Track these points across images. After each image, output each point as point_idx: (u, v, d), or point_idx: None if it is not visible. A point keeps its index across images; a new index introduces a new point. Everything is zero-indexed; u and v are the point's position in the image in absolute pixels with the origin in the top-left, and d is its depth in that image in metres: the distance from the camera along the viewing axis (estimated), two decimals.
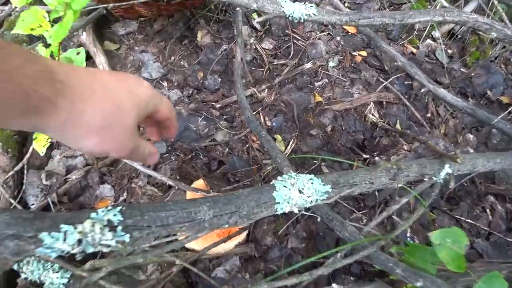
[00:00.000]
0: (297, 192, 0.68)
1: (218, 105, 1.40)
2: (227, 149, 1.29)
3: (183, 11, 1.59)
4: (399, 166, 0.84)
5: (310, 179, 0.71)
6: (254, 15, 1.67)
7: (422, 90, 1.27)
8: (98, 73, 0.50)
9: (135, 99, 0.52)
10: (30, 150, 1.19)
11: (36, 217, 0.46)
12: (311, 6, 1.02)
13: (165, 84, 1.46)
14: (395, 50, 1.39)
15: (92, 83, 0.47)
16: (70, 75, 0.44)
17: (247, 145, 1.31)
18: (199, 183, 1.11)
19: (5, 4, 1.58)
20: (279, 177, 0.70)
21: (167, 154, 1.26)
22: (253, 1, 1.00)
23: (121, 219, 0.50)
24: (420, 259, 0.81)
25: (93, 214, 0.48)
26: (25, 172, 1.15)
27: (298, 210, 0.70)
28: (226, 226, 0.61)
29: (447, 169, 0.88)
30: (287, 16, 1.01)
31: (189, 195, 1.08)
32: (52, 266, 0.77)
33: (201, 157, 1.27)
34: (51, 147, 1.30)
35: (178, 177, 1.18)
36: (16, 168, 1.14)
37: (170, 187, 1.17)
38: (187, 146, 1.29)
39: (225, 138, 1.32)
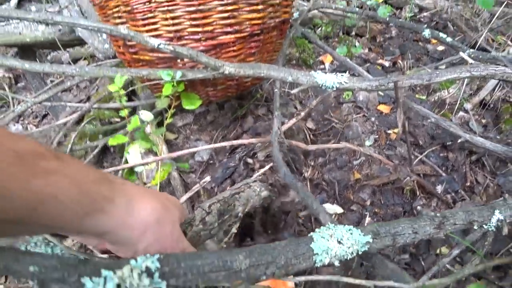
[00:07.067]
0: (336, 242, 0.67)
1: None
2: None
3: (232, 103, 1.82)
4: (444, 214, 0.81)
5: (349, 230, 0.70)
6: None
7: (459, 141, 1.33)
8: (135, 185, 0.60)
9: (175, 202, 0.65)
10: None
11: (79, 263, 0.48)
12: (341, 75, 1.09)
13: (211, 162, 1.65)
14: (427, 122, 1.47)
15: (139, 188, 0.57)
16: (121, 181, 0.55)
17: None
18: None
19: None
20: (317, 229, 0.70)
21: None
22: (288, 75, 1.10)
23: (158, 266, 0.51)
24: None
25: (132, 261, 0.50)
26: None
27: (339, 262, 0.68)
28: (264, 277, 0.60)
29: (497, 215, 0.84)
30: (320, 85, 1.08)
31: None
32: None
33: None
34: None
35: None
36: None
37: None
38: None
39: None
